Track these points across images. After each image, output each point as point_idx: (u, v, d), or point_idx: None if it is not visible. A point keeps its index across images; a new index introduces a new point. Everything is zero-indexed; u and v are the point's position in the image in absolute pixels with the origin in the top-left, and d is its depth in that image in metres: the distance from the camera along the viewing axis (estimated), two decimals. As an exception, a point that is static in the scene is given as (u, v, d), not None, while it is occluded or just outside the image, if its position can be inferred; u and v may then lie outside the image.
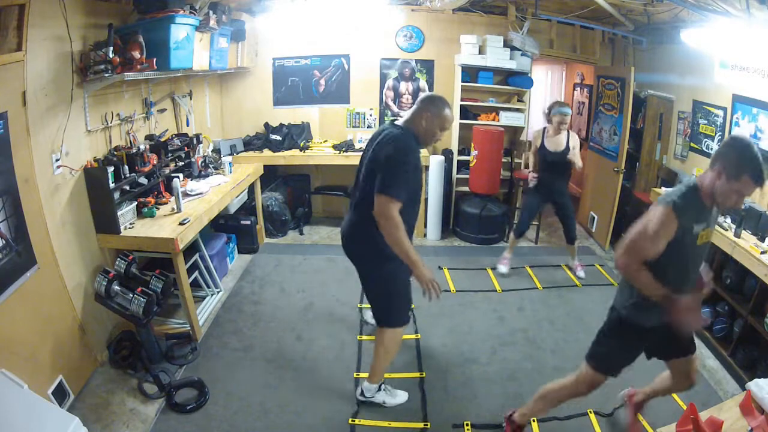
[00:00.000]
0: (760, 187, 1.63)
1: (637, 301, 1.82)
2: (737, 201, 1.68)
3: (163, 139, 3.34)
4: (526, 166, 4.09)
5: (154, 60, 2.71)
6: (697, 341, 2.76)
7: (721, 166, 1.65)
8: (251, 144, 4.64)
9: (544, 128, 3.74)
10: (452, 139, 4.81)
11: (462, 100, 4.65)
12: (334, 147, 4.63)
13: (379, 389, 2.50)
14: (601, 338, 1.99)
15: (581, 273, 4.00)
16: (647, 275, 1.70)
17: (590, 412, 2.40)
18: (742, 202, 1.72)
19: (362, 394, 2.51)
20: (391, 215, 2.02)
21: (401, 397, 2.55)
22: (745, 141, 1.68)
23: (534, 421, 2.35)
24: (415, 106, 2.24)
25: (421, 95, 2.31)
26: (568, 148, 3.66)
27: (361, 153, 2.36)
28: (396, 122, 2.27)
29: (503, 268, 3.98)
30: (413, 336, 3.02)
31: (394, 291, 2.31)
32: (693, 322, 1.69)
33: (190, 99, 3.96)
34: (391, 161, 2.07)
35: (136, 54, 2.64)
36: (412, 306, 2.51)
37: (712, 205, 1.73)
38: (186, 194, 3.29)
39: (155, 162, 3.09)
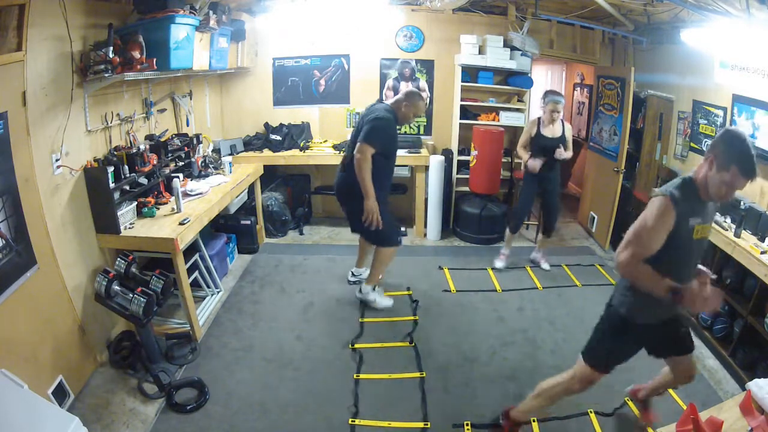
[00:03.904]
0: (748, 179, 1.61)
1: (636, 299, 1.81)
2: (727, 192, 1.66)
3: (163, 139, 3.34)
4: (519, 163, 4.07)
5: (154, 60, 2.71)
6: (697, 341, 2.78)
7: (712, 156, 1.66)
8: (251, 144, 4.64)
9: (539, 118, 3.74)
10: (452, 139, 4.82)
11: (462, 100, 4.65)
12: (334, 147, 4.63)
13: (374, 290, 3.37)
14: (599, 336, 1.99)
15: (546, 266, 4.06)
16: (649, 270, 1.66)
17: (590, 411, 2.41)
18: (733, 194, 1.68)
19: (360, 291, 3.40)
20: (364, 154, 2.91)
21: (387, 301, 3.41)
22: (736, 132, 1.67)
23: (534, 420, 2.35)
24: (399, 95, 3.17)
25: (405, 90, 3.18)
26: (564, 136, 3.71)
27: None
28: (385, 102, 3.19)
29: (500, 264, 4.04)
30: (410, 344, 3.02)
31: (381, 221, 3.07)
32: (708, 305, 1.63)
33: (190, 99, 3.96)
34: (371, 123, 2.95)
35: (136, 54, 2.64)
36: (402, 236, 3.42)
37: (708, 198, 1.71)
38: (186, 194, 3.29)
39: (155, 162, 3.09)
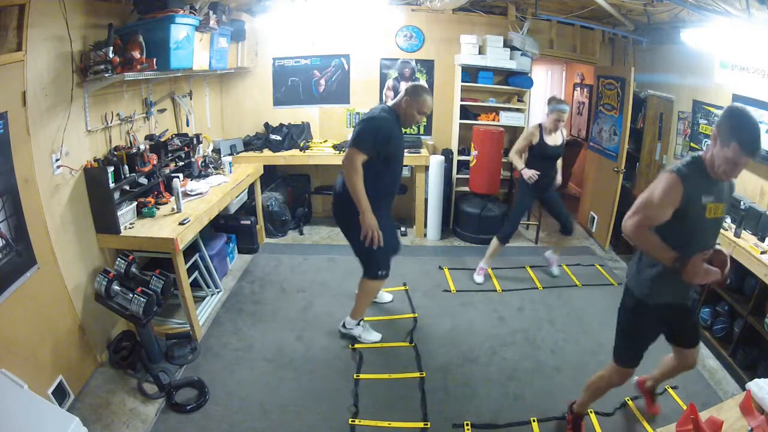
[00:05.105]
0: (750, 156, 1.57)
1: (651, 277, 1.84)
2: (730, 169, 1.63)
3: (163, 139, 3.34)
4: (514, 168, 3.97)
5: (154, 60, 2.71)
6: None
7: (716, 133, 1.65)
8: (251, 144, 4.64)
9: (540, 125, 3.66)
10: (452, 139, 4.81)
11: (462, 100, 4.65)
12: (334, 147, 4.63)
13: (358, 324, 3.00)
14: (622, 331, 2.03)
15: (555, 270, 3.98)
16: (656, 238, 1.70)
17: (591, 411, 2.40)
18: (736, 171, 1.65)
19: (344, 326, 3.02)
20: (353, 162, 2.49)
21: (375, 336, 3.02)
22: (740, 108, 1.65)
23: (534, 421, 2.35)
24: (400, 93, 2.70)
25: (408, 85, 2.75)
26: (564, 143, 3.69)
27: None
28: (387, 103, 2.77)
29: (480, 279, 3.83)
30: (410, 344, 3.02)
31: (372, 249, 2.64)
32: (707, 277, 1.65)
33: (190, 99, 3.96)
34: (361, 125, 2.58)
35: (136, 54, 2.64)
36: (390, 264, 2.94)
37: (716, 177, 1.69)
38: (186, 194, 3.29)
39: (155, 162, 3.09)
